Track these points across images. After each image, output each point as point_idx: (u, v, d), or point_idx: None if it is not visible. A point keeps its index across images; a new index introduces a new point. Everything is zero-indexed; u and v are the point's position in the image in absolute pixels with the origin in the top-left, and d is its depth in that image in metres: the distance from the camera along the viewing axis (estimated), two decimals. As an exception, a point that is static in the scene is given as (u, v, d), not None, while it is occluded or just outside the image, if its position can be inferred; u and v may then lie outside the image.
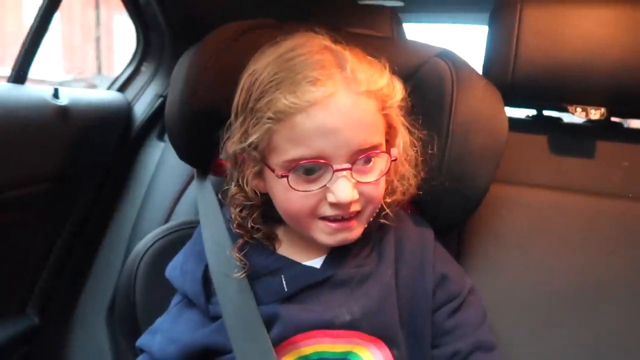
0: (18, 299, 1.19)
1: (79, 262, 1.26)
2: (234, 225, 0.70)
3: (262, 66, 0.64)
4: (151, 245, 0.86)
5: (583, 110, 0.94)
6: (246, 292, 0.67)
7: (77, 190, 1.24)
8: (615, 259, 0.85)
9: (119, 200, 1.30)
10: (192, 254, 0.74)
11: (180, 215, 1.13)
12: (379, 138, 0.64)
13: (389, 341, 0.66)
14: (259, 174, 0.66)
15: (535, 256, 0.87)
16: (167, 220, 1.14)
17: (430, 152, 0.72)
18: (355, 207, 0.63)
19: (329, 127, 0.59)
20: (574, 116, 0.99)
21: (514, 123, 0.81)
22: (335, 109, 0.59)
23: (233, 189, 0.69)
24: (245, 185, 0.67)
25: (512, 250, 0.88)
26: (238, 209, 0.69)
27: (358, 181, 0.61)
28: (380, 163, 0.64)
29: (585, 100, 0.94)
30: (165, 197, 1.18)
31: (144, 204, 1.24)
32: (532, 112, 1.11)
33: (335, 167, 0.60)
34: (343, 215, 0.63)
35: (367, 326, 0.65)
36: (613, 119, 1.02)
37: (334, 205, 0.61)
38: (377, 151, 0.63)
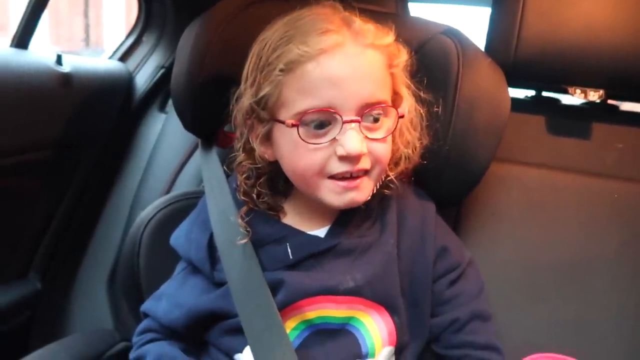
0: (20, 264, 1.20)
1: (81, 229, 1.28)
2: (240, 192, 0.71)
3: (271, 32, 0.65)
4: (155, 214, 0.87)
5: (582, 92, 0.96)
6: (251, 258, 0.68)
7: (79, 158, 1.24)
8: (606, 237, 0.87)
9: (120, 170, 1.31)
10: (197, 222, 0.76)
11: (182, 186, 1.14)
12: (386, 95, 0.65)
13: (390, 308, 0.68)
14: (267, 138, 0.67)
15: (529, 232, 0.89)
16: (168, 191, 1.15)
17: (435, 118, 0.74)
18: (364, 164, 0.63)
19: (338, 75, 0.61)
20: (572, 97, 1.00)
21: (513, 103, 0.82)
22: (344, 58, 0.61)
23: (240, 155, 0.70)
24: (253, 148, 0.68)
25: (508, 227, 0.90)
26: (244, 176, 0.70)
27: (367, 137, 0.63)
28: (387, 122, 0.65)
29: (584, 82, 0.95)
30: (166, 168, 1.19)
31: (146, 174, 1.25)
32: (531, 92, 1.13)
33: (345, 118, 0.61)
34: (352, 172, 0.63)
35: (370, 293, 0.67)
36: (610, 101, 1.03)
37: (343, 158, 0.62)
38: (385, 105, 0.64)
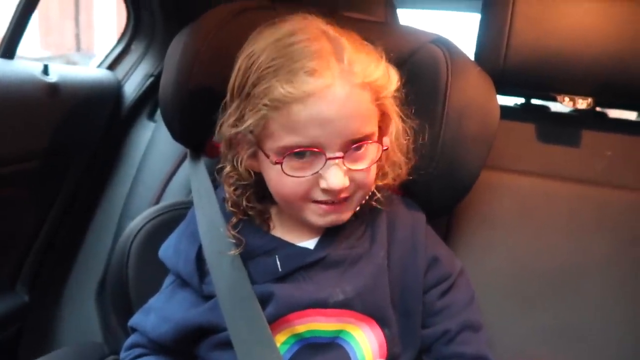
0: (7, 277, 1.19)
1: (69, 240, 1.26)
2: (228, 203, 0.71)
3: (259, 49, 0.63)
4: (144, 225, 0.86)
5: (571, 99, 0.96)
6: (240, 270, 0.68)
7: (67, 168, 1.23)
8: (596, 243, 0.88)
9: (109, 179, 1.30)
10: (185, 234, 0.75)
11: (172, 196, 1.13)
12: (372, 127, 0.65)
13: (381, 320, 0.68)
14: (254, 155, 0.67)
15: (520, 240, 0.90)
16: (158, 200, 1.14)
17: (421, 141, 0.73)
18: (345, 194, 0.64)
19: (324, 117, 0.60)
20: (561, 105, 1.01)
21: (503, 111, 0.82)
22: (332, 100, 0.60)
23: (227, 168, 0.70)
24: (239, 166, 0.68)
25: (499, 234, 0.90)
26: (232, 188, 0.70)
27: (349, 168, 0.63)
28: (372, 151, 0.65)
29: (573, 89, 0.96)
30: (156, 177, 1.18)
31: (135, 183, 1.24)
32: (520, 100, 1.13)
33: (329, 155, 0.61)
34: (333, 200, 0.64)
35: (360, 305, 0.67)
36: (598, 109, 1.04)
37: (325, 191, 0.63)
38: (369, 141, 0.64)
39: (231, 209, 0.70)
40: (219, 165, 0.72)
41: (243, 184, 0.69)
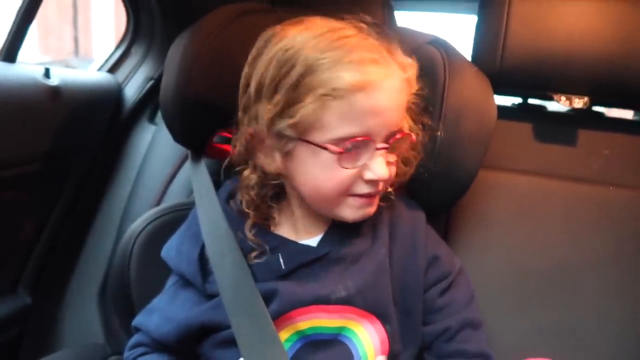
0: (9, 279, 1.19)
1: (70, 242, 1.27)
2: (243, 205, 0.71)
3: (299, 42, 0.62)
4: (146, 226, 0.87)
5: (567, 99, 0.97)
6: (243, 268, 0.68)
7: (68, 171, 1.24)
8: (593, 241, 0.88)
9: (110, 181, 1.31)
10: (187, 235, 0.75)
11: (173, 197, 1.14)
12: (402, 121, 0.68)
13: (382, 317, 0.69)
14: (286, 153, 0.66)
15: (518, 239, 0.90)
16: (159, 202, 1.15)
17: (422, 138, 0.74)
18: (383, 186, 0.66)
19: (381, 106, 0.62)
20: (558, 105, 1.02)
21: (500, 111, 0.83)
22: (389, 90, 0.62)
23: (247, 170, 0.70)
24: (266, 165, 0.67)
25: (497, 233, 0.91)
26: (253, 191, 0.70)
27: (388, 161, 0.65)
28: (400, 145, 0.67)
29: (569, 89, 0.97)
30: (157, 179, 1.19)
31: (136, 185, 1.25)
32: (518, 100, 1.14)
33: (378, 145, 0.63)
34: (373, 192, 0.66)
35: (361, 302, 0.67)
36: (595, 108, 1.05)
37: (370, 182, 0.64)
38: (407, 133, 0.67)
39: (249, 211, 0.70)
40: (224, 165, 0.73)
41: (258, 182, 0.69)
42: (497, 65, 0.95)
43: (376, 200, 0.68)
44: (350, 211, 0.66)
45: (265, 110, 0.64)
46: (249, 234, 0.69)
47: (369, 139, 0.62)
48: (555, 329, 0.84)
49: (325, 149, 0.62)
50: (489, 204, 0.93)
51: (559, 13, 0.94)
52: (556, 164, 0.98)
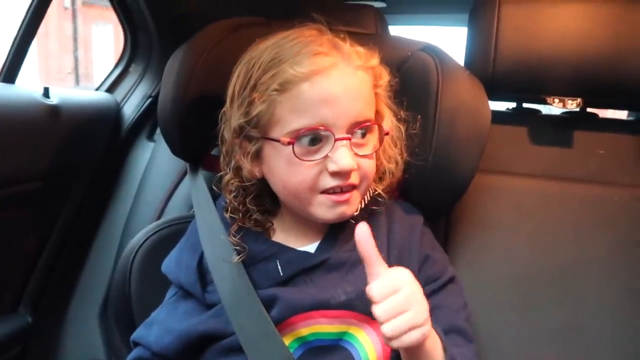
0: (10, 298, 1.19)
1: (71, 260, 1.27)
2: (229, 210, 0.72)
3: (258, 52, 0.67)
4: (145, 240, 0.87)
5: (560, 100, 0.98)
6: (242, 275, 0.68)
7: (68, 189, 1.24)
8: (592, 240, 0.89)
9: (110, 199, 1.31)
10: (186, 246, 0.76)
11: (173, 212, 1.14)
12: (372, 114, 0.68)
13: (383, 321, 0.68)
14: (256, 156, 0.68)
15: (518, 240, 0.90)
16: (159, 217, 1.15)
17: (415, 135, 0.75)
18: (353, 179, 0.66)
19: (331, 95, 0.63)
20: (552, 108, 1.03)
21: (496, 116, 0.84)
22: (337, 77, 0.64)
23: (228, 175, 0.71)
24: (242, 167, 0.69)
25: (497, 236, 0.91)
26: (232, 195, 0.71)
27: (356, 153, 0.65)
28: (372, 139, 0.68)
29: (561, 91, 0.98)
30: (156, 196, 1.19)
31: (135, 202, 1.25)
32: (512, 105, 1.15)
33: (337, 136, 0.63)
34: (342, 186, 0.65)
35: (362, 306, 0.67)
36: (589, 109, 1.06)
37: (335, 174, 0.64)
38: (372, 123, 0.67)
39: (231, 215, 0.71)
40: (219, 174, 0.74)
41: (243, 189, 0.70)
42: (489, 71, 0.97)
43: (352, 199, 0.67)
44: (324, 210, 0.66)
45: (235, 115, 0.67)
46: (233, 238, 0.70)
47: (325, 129, 0.63)
48: (559, 330, 0.84)
49: (278, 141, 0.64)
50: (488, 208, 0.93)
51: (548, 17, 0.95)
52: (553, 165, 0.99)
